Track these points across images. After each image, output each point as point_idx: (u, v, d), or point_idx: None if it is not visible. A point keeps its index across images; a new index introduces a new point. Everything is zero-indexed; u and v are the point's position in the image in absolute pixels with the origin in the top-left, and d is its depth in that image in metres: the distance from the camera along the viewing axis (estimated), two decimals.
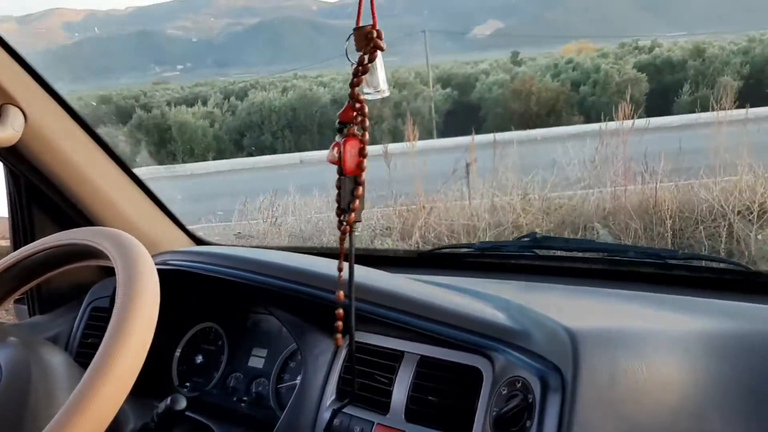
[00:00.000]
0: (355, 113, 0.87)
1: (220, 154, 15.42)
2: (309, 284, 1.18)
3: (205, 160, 14.73)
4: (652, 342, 0.97)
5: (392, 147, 6.14)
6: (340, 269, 0.94)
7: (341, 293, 0.96)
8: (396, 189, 5.57)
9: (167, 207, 1.64)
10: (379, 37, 0.82)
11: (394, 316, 1.07)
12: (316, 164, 10.48)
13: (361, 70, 0.84)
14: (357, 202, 0.89)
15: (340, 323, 0.99)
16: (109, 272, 1.53)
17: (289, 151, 15.30)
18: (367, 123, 0.87)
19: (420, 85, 19.22)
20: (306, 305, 1.19)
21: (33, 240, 1.18)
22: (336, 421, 1.09)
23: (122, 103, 18.41)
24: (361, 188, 0.90)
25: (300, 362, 1.29)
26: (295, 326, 1.22)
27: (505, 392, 0.92)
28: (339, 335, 1.00)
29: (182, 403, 1.02)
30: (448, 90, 19.79)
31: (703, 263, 1.35)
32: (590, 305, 1.21)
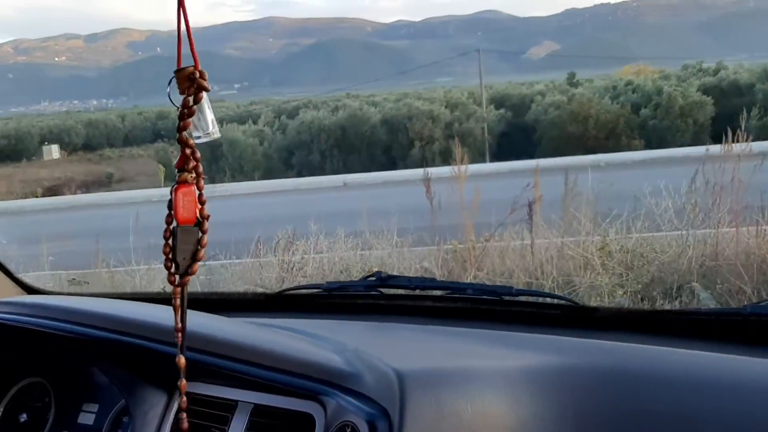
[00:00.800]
0: (187, 159, 0.81)
1: (267, 173, 15.60)
2: (137, 335, 1.12)
3: (252, 179, 14.90)
4: (478, 380, 0.98)
5: (437, 171, 5.28)
6: (177, 329, 0.86)
7: (181, 359, 0.87)
8: (442, 220, 4.67)
9: None
10: (202, 77, 0.78)
11: (225, 364, 1.03)
12: (360, 188, 10.28)
13: (187, 113, 0.79)
14: (202, 252, 0.83)
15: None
16: None
17: (337, 170, 15.33)
18: (200, 168, 0.81)
19: (473, 105, 19.09)
20: (134, 357, 1.13)
21: None
22: None
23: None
24: (205, 237, 0.83)
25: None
26: (123, 381, 1.16)
27: None
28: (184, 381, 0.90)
29: None
30: (502, 111, 19.60)
31: (536, 299, 1.40)
32: (426, 345, 1.22)
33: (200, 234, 0.82)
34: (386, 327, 1.34)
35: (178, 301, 0.83)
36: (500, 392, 0.97)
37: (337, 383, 0.97)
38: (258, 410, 1.04)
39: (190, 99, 0.78)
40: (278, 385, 1.00)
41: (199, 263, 0.83)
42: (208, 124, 0.80)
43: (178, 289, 0.82)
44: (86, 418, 1.31)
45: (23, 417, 1.37)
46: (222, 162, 15.78)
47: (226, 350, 1.04)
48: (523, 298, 1.34)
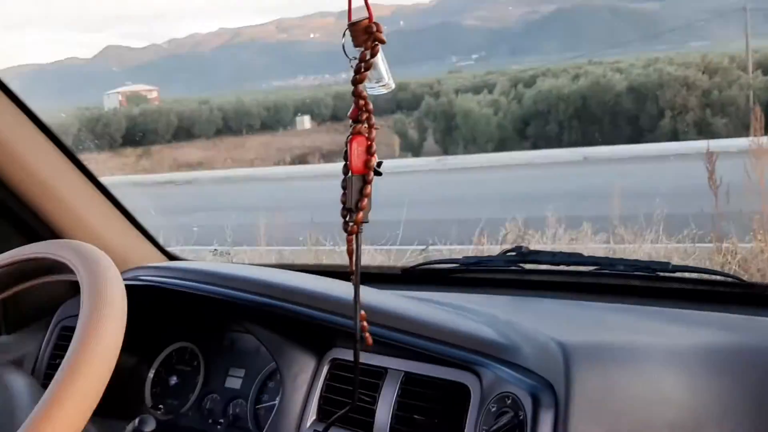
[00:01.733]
0: (359, 111, 0.84)
1: (501, 145, 15.32)
2: (290, 300, 1.14)
3: (485, 151, 14.72)
4: (647, 355, 0.94)
5: (720, 144, 4.32)
6: (351, 272, 0.88)
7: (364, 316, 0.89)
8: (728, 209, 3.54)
9: (138, 221, 1.58)
10: (378, 30, 0.81)
11: (376, 331, 0.99)
12: (602, 163, 9.44)
13: (364, 67, 0.82)
14: (365, 201, 0.85)
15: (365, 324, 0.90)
16: (77, 289, 1.49)
17: (575, 142, 14.61)
18: (373, 120, 0.85)
19: (736, 71, 17.14)
20: (285, 322, 1.14)
21: None
22: None
23: (417, 90, 19.30)
24: (369, 187, 0.85)
25: (279, 382, 1.23)
26: (273, 344, 1.17)
27: (494, 409, 0.89)
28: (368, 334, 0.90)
29: (150, 425, 0.98)
30: None
31: (695, 275, 1.33)
32: (581, 319, 1.19)
33: (367, 182, 0.84)
34: (531, 301, 1.30)
35: (352, 246, 0.85)
36: (673, 369, 0.92)
37: (493, 355, 0.95)
38: (409, 378, 1.03)
39: (367, 53, 0.81)
40: (431, 354, 0.99)
41: (363, 212, 0.84)
42: (383, 75, 0.83)
43: (352, 237, 0.85)
44: (233, 383, 1.33)
45: (173, 380, 1.41)
46: (455, 133, 15.75)
47: (378, 318, 1.02)
48: (680, 275, 1.27)
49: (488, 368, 0.93)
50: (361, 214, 0.85)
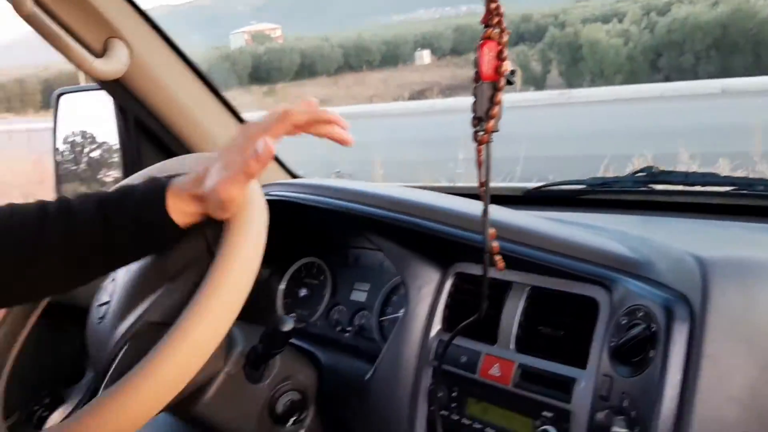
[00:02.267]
0: (490, 14, 0.80)
1: (630, 77, 14.51)
2: (417, 215, 1.14)
3: (612, 83, 14.01)
4: None
5: None
6: (481, 183, 0.85)
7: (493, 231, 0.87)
8: None
9: None
10: None
11: (503, 245, 0.97)
12: (743, 96, 8.71)
13: None
14: (496, 108, 0.82)
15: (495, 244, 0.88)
16: None
17: (713, 74, 13.59)
18: (505, 24, 0.80)
19: None
20: (411, 237, 1.16)
21: (141, 168, 1.20)
22: (441, 351, 1.07)
23: (541, 21, 18.54)
24: (500, 94, 0.82)
25: (403, 296, 1.27)
26: (399, 258, 1.19)
27: (624, 322, 0.87)
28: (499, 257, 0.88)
29: (288, 324, 1.03)
30: None
31: None
32: (717, 236, 1.14)
33: (497, 90, 0.81)
34: (662, 221, 1.26)
35: (482, 157, 0.83)
36: None
37: (624, 269, 0.92)
38: (535, 292, 1.02)
39: None
40: (558, 269, 0.97)
41: (494, 120, 0.82)
42: None
43: (482, 147, 0.83)
44: (358, 296, 1.38)
45: (303, 292, 1.48)
46: (581, 65, 15.06)
47: (505, 232, 1.00)
48: None
49: (619, 282, 0.91)
50: (491, 122, 0.82)
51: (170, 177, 0.91)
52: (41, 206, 0.89)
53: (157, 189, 0.88)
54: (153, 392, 0.79)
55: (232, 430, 1.09)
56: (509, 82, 0.82)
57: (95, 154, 1.74)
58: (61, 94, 1.66)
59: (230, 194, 0.84)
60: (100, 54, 1.28)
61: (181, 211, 0.87)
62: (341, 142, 0.90)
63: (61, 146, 1.69)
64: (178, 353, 0.79)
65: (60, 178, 1.71)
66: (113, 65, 1.28)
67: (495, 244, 0.85)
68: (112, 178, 1.69)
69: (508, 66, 0.81)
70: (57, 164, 1.69)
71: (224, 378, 1.05)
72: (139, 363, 0.80)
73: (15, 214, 0.89)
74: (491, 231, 0.85)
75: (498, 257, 0.86)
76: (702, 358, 0.78)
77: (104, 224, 0.87)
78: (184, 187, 0.88)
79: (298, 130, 0.87)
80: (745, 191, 1.26)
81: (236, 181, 0.84)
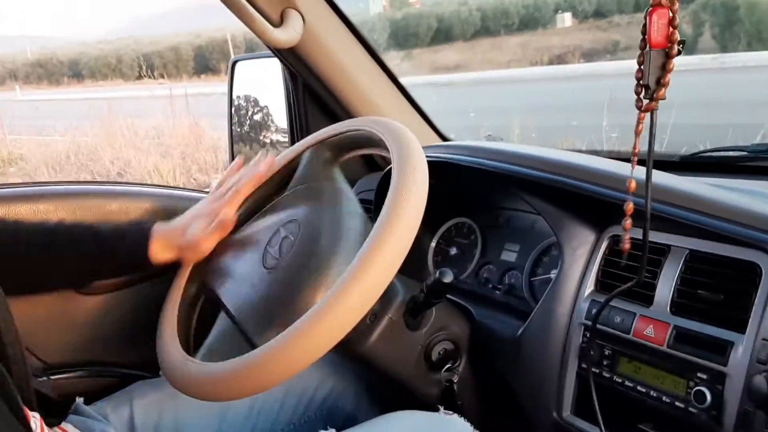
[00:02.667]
0: None
1: None
2: (574, 176, 1.17)
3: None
4: None
5: None
6: (635, 152, 0.86)
7: (633, 183, 0.88)
8: None
9: (421, 107, 1.71)
10: None
11: (661, 208, 1.03)
12: None
13: None
14: (668, 77, 0.82)
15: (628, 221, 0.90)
16: (374, 167, 1.63)
17: None
18: None
19: None
20: (568, 198, 1.18)
21: (308, 132, 1.31)
22: (594, 311, 1.09)
23: None
24: (672, 62, 0.82)
25: (553, 258, 1.33)
26: (554, 218, 1.21)
27: None
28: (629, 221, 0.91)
29: (449, 276, 1.08)
30: None
31: None
32: None
33: (667, 58, 0.81)
34: None
35: (640, 127, 0.83)
36: None
37: None
38: (693, 256, 1.03)
39: None
40: (719, 233, 0.97)
41: (664, 89, 0.82)
42: None
43: (643, 115, 0.83)
44: (508, 256, 1.43)
45: (453, 251, 1.55)
46: (737, 28, 13.93)
47: (663, 195, 1.03)
48: None
49: None
50: (662, 90, 0.83)
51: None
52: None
53: (143, 235, 1.15)
54: (330, 328, 0.87)
55: (391, 370, 1.18)
56: (678, 52, 0.82)
57: (262, 117, 1.87)
58: (236, 61, 1.80)
59: (209, 245, 1.14)
60: (277, 24, 1.37)
61: (162, 253, 1.14)
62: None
63: (233, 110, 1.84)
64: (353, 293, 0.87)
65: (233, 139, 1.86)
66: (289, 34, 1.38)
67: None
68: (277, 140, 1.82)
69: (677, 33, 0.80)
70: (231, 126, 1.85)
71: (387, 323, 1.13)
72: (319, 302, 0.89)
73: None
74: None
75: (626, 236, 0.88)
76: None
77: (100, 256, 1.15)
78: (168, 236, 1.14)
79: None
80: None
81: (213, 237, 1.14)
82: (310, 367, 0.90)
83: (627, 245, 0.89)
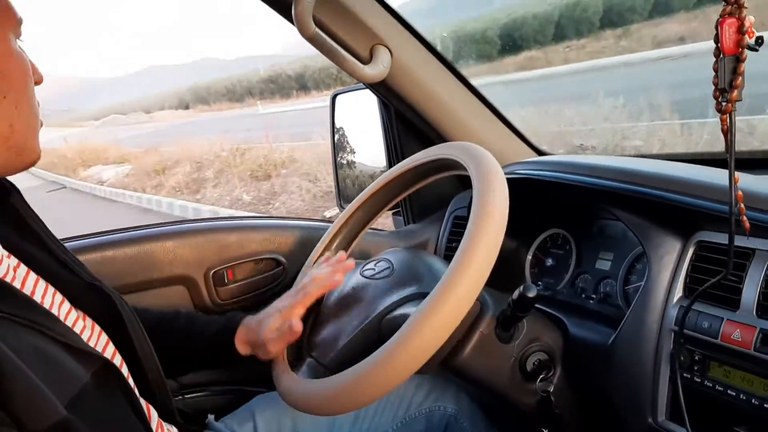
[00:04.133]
0: None
1: None
2: (656, 186, 1.20)
3: None
4: None
5: None
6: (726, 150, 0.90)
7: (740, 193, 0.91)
8: None
9: (512, 123, 1.75)
10: None
11: (746, 213, 1.00)
12: None
13: None
14: (739, 79, 0.87)
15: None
16: (466, 185, 1.75)
17: None
18: (743, 0, 0.85)
19: None
20: (652, 208, 1.20)
21: (403, 158, 1.39)
22: (682, 316, 1.11)
23: None
24: (742, 65, 0.87)
25: (646, 264, 1.31)
26: (640, 228, 1.24)
27: None
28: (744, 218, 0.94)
29: (533, 291, 1.12)
30: None
31: None
32: None
33: (738, 62, 0.85)
34: None
35: (726, 126, 0.87)
36: None
37: None
38: None
39: None
40: None
41: (737, 90, 0.86)
42: None
43: (725, 117, 0.87)
44: (603, 264, 1.46)
45: (549, 261, 1.59)
46: None
47: (749, 200, 0.99)
48: None
49: None
50: (735, 92, 0.86)
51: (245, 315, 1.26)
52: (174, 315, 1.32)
53: (233, 325, 1.25)
54: (420, 346, 0.94)
55: (486, 381, 1.23)
56: (752, 49, 0.86)
57: (362, 145, 1.99)
58: (336, 95, 1.93)
59: (276, 349, 1.18)
60: (367, 60, 1.48)
61: (244, 346, 1.23)
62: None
63: (336, 139, 1.97)
64: (434, 319, 0.93)
65: (337, 166, 1.99)
66: (378, 69, 1.47)
67: (741, 206, 0.90)
68: (377, 165, 1.93)
69: (751, 36, 0.85)
70: (335, 155, 1.97)
71: (479, 337, 1.19)
72: (407, 321, 0.96)
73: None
74: (738, 194, 0.89)
75: (744, 217, 0.90)
76: None
77: (188, 340, 1.26)
78: (249, 326, 1.23)
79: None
80: None
81: (280, 342, 1.18)
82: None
83: (747, 225, 0.91)
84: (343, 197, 2.01)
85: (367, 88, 1.67)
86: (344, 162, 1.99)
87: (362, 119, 1.89)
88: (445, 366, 1.23)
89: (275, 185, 9.57)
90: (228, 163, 11.46)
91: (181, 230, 1.53)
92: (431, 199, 1.85)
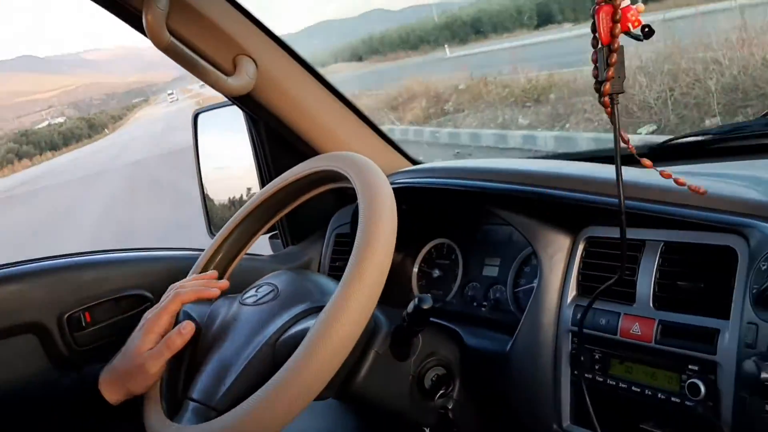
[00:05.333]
0: None
1: None
2: (541, 184, 1.17)
3: None
4: None
5: None
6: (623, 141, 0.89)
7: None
8: None
9: (384, 132, 1.70)
10: None
11: (632, 204, 1.03)
12: None
13: None
14: (611, 71, 0.83)
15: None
16: (346, 200, 1.68)
17: None
18: None
19: None
20: (538, 206, 1.18)
21: (276, 175, 1.29)
22: (580, 316, 1.09)
23: None
24: (614, 56, 0.83)
25: (534, 267, 1.31)
26: (528, 228, 1.21)
27: (765, 267, 0.86)
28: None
29: (428, 303, 1.07)
30: None
31: None
32: None
33: (610, 53, 0.82)
34: None
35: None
36: None
37: (759, 214, 0.91)
38: (669, 247, 1.02)
39: None
40: (691, 221, 0.97)
41: (611, 83, 0.83)
42: None
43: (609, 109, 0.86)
44: (490, 271, 1.42)
45: (436, 273, 1.54)
46: None
47: (634, 191, 1.03)
48: None
49: (756, 228, 0.90)
50: (607, 85, 0.83)
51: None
52: None
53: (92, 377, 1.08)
54: (312, 374, 0.85)
55: (387, 406, 1.16)
56: (639, 39, 0.83)
57: (231, 164, 1.87)
58: (198, 113, 1.80)
59: (156, 368, 1.03)
60: (230, 72, 1.38)
61: (113, 390, 1.05)
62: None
63: (202, 161, 1.84)
64: (332, 337, 0.86)
65: (204, 190, 1.85)
66: (243, 80, 1.37)
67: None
68: (247, 185, 1.82)
69: (636, 25, 0.81)
70: (201, 178, 1.84)
71: (374, 357, 1.11)
72: (297, 349, 0.87)
73: None
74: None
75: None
76: None
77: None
78: (113, 369, 1.07)
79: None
80: None
81: (161, 355, 1.03)
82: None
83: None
84: (213, 224, 1.87)
85: (232, 103, 1.56)
86: (212, 185, 1.87)
87: (229, 138, 1.78)
88: (341, 394, 1.14)
89: (555, 108, 8.73)
90: (475, 93, 10.87)
91: (26, 271, 1.34)
92: (309, 219, 1.76)
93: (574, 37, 14.01)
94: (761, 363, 0.82)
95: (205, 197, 1.87)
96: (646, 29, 0.81)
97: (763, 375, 0.81)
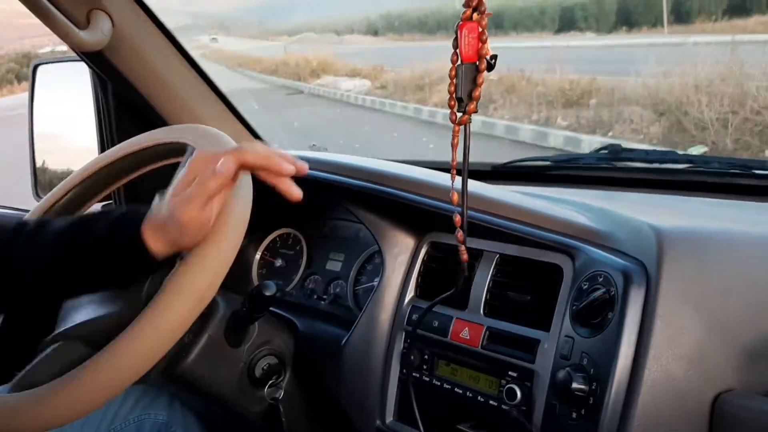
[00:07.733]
0: None
1: None
2: (394, 186, 1.19)
3: None
4: (741, 241, 0.97)
5: None
6: (453, 166, 0.88)
7: (455, 195, 0.90)
8: None
9: (237, 110, 1.65)
10: None
11: (474, 215, 1.07)
12: None
13: None
14: (478, 91, 0.84)
15: (460, 232, 0.91)
16: None
17: None
18: (484, 6, 0.81)
19: None
20: (389, 207, 1.21)
21: (117, 142, 1.22)
22: (415, 317, 1.13)
23: None
24: (482, 76, 0.84)
25: (377, 266, 1.35)
26: (376, 227, 1.24)
27: (586, 287, 0.93)
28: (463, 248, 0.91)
29: (271, 289, 1.06)
30: None
31: None
32: (675, 209, 1.22)
33: (477, 72, 0.82)
34: (624, 195, 1.34)
35: (456, 140, 0.85)
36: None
37: (587, 238, 0.98)
38: (503, 260, 1.08)
39: None
40: (525, 237, 1.03)
41: (476, 103, 0.83)
42: None
43: (458, 128, 0.84)
44: (334, 266, 1.44)
45: (278, 262, 1.53)
46: None
47: (476, 203, 1.07)
48: None
49: (582, 250, 0.97)
50: (473, 104, 0.83)
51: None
52: (20, 222, 0.90)
53: (135, 212, 0.87)
54: (141, 352, 0.81)
55: (213, 391, 1.14)
56: (490, 68, 0.82)
57: (70, 126, 1.74)
58: (38, 65, 1.66)
59: (189, 215, 0.81)
60: (83, 26, 1.27)
61: (156, 237, 0.84)
62: (286, 195, 0.90)
63: (36, 116, 1.69)
64: (164, 320, 0.81)
65: (33, 148, 1.71)
66: (96, 36, 1.28)
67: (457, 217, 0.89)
68: (84, 150, 1.69)
69: (488, 49, 0.81)
70: (32, 137, 1.69)
71: (206, 340, 1.09)
72: (129, 326, 0.82)
73: None
74: (453, 195, 0.88)
75: (462, 248, 0.89)
76: (655, 319, 0.84)
77: (73, 241, 0.86)
78: (159, 214, 0.84)
79: (246, 170, 0.87)
80: (701, 168, 1.34)
81: (193, 200, 0.81)
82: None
83: (465, 256, 0.90)
84: (40, 186, 1.73)
85: (81, 59, 1.45)
86: (44, 144, 1.72)
87: (71, 96, 1.65)
88: (165, 375, 1.10)
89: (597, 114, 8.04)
90: (509, 86, 9.89)
91: None
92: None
93: (616, 45, 14.18)
94: (573, 374, 0.88)
95: (34, 155, 1.72)
96: (494, 59, 0.82)
97: (574, 385, 0.87)
